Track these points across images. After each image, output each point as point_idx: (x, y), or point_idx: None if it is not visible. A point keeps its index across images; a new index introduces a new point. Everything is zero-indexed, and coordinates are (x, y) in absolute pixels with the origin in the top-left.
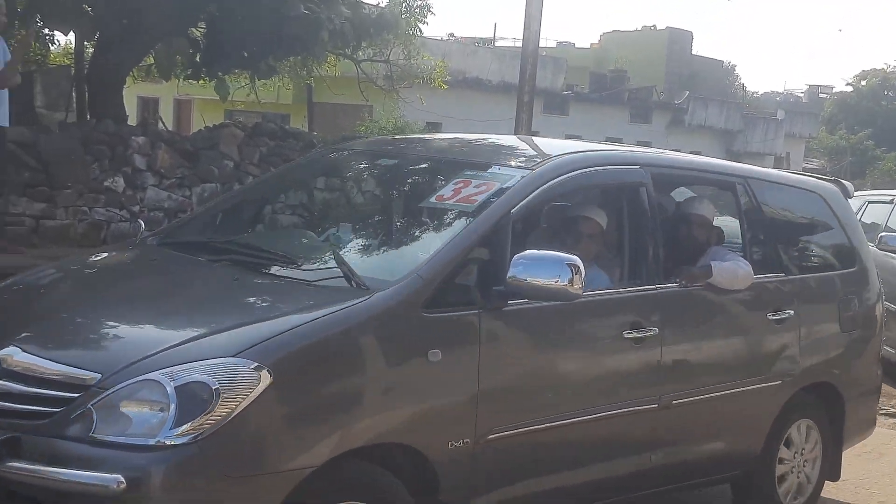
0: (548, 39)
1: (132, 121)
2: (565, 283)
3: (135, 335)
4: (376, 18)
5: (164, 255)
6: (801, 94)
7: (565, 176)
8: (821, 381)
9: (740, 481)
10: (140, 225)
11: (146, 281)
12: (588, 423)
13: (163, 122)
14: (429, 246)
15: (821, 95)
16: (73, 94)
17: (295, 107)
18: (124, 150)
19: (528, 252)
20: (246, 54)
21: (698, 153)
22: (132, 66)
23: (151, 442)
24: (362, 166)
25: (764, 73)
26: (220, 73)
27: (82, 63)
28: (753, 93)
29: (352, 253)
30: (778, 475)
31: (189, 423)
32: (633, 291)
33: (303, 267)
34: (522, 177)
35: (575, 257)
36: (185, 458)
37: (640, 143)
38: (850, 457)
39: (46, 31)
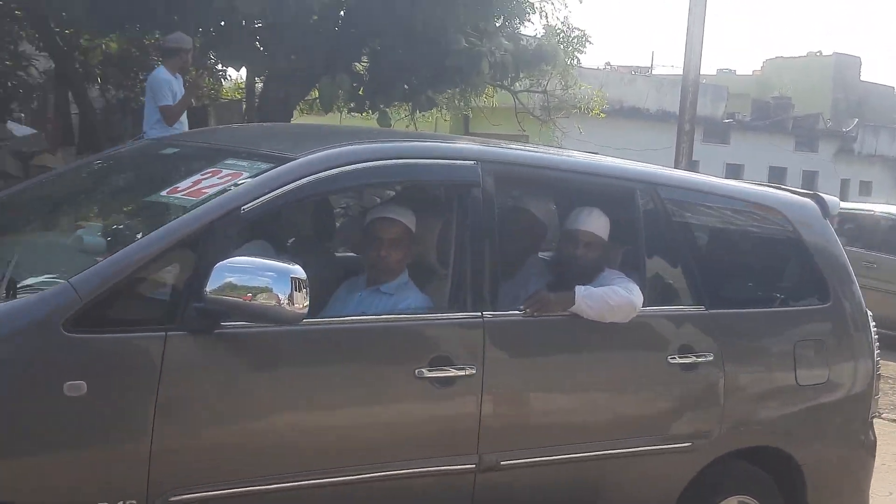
0: (708, 66)
1: None
2: (282, 299)
3: None
4: (535, 50)
5: None
6: None
7: (335, 171)
8: (763, 447)
9: None
10: None
11: None
12: (345, 485)
13: None
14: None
15: None
16: None
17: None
18: None
19: (235, 259)
20: (406, 87)
21: (869, 183)
22: (299, 100)
23: None
24: (139, 158)
25: None
26: (381, 106)
27: (253, 97)
28: None
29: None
30: None
31: None
32: (443, 318)
33: None
34: (270, 169)
35: (297, 268)
36: None
37: (805, 173)
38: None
39: (220, 67)
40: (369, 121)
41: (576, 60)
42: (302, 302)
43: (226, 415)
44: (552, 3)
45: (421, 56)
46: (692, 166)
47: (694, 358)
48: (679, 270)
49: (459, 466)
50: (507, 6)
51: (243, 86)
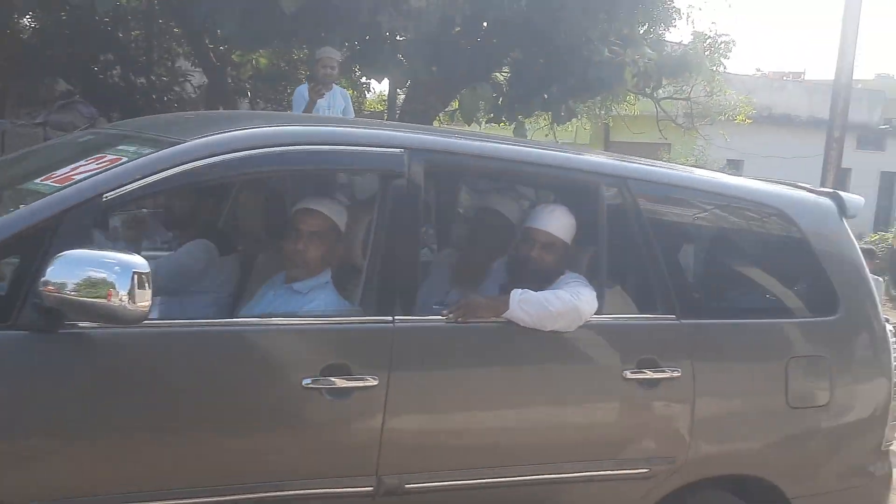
0: (866, 72)
1: None
2: (122, 296)
3: None
4: (680, 58)
5: None
6: None
7: (221, 158)
8: (742, 475)
9: None
10: None
11: None
12: None
13: None
14: None
15: None
16: None
17: (592, 146)
18: None
19: (75, 251)
20: (546, 97)
21: None
22: (440, 111)
23: None
24: (60, 145)
25: None
26: (519, 117)
27: (395, 108)
28: None
29: None
30: None
31: None
32: (344, 322)
33: None
34: (142, 156)
35: (141, 261)
36: None
37: None
38: None
39: (364, 80)
40: (507, 131)
41: (722, 67)
42: (143, 300)
43: (67, 423)
44: (699, 9)
45: (562, 66)
46: (842, 174)
47: (656, 373)
48: (649, 275)
49: (354, 489)
50: (652, 13)
51: (385, 98)
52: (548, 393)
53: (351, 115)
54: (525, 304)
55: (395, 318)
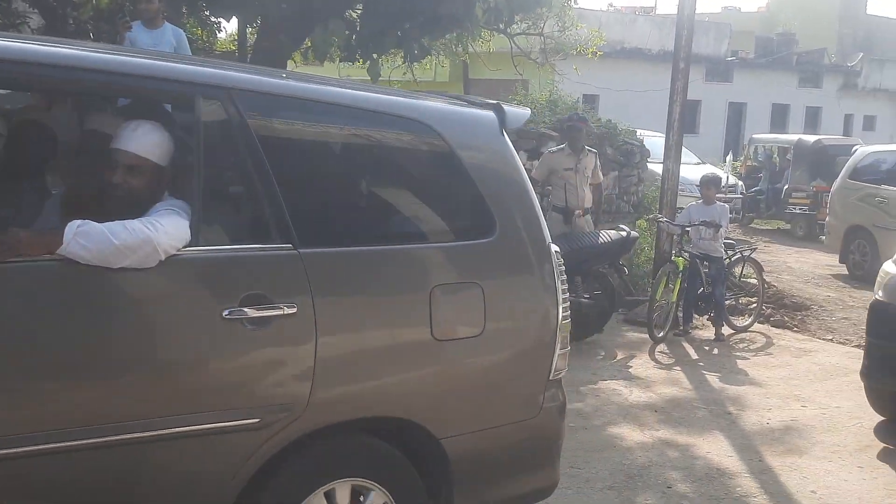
0: (713, 4)
1: None
2: None
3: None
4: None
5: None
6: None
7: None
8: (384, 417)
9: None
10: None
11: None
12: None
13: None
14: None
15: None
16: None
17: (452, 85)
18: None
19: None
20: (400, 34)
21: (873, 118)
22: (293, 50)
23: None
24: None
25: None
26: (374, 55)
27: (245, 48)
28: None
29: None
30: None
31: None
32: None
33: None
34: None
35: None
36: None
37: (808, 109)
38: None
39: (213, 19)
40: (362, 70)
41: (574, 1)
42: None
43: None
44: None
45: (414, 3)
46: (692, 106)
47: (263, 311)
48: (261, 200)
49: None
50: None
51: (237, 37)
52: (125, 342)
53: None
54: (83, 238)
55: None
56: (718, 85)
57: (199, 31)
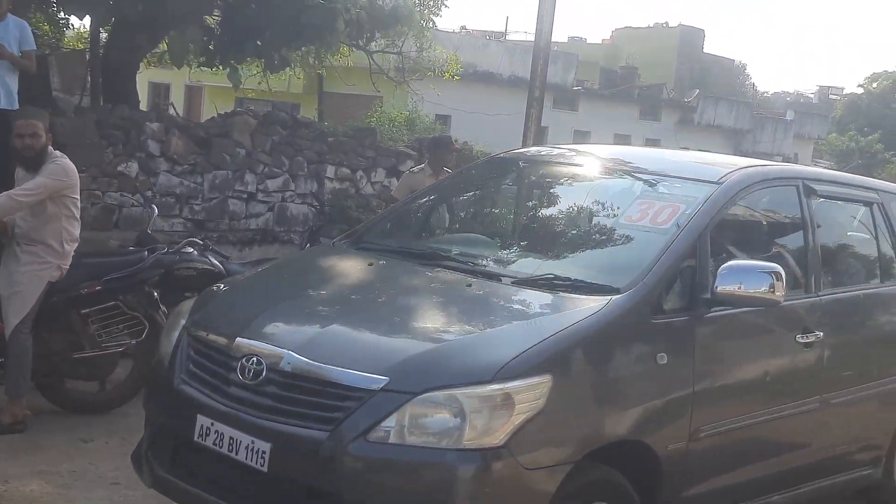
0: (560, 34)
1: (143, 106)
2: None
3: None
4: (391, 10)
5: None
6: (812, 95)
7: None
8: None
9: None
10: (153, 210)
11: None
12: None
13: (174, 109)
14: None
15: (831, 97)
16: (89, 78)
17: (306, 96)
18: (138, 136)
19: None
20: (260, 43)
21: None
22: (146, 52)
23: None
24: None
25: (774, 73)
26: (232, 62)
27: (97, 48)
28: (763, 93)
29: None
30: None
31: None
32: None
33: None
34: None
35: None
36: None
37: (648, 140)
38: None
39: (62, 15)
40: (218, 75)
41: (431, 23)
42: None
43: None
44: None
45: (275, 11)
46: (541, 132)
47: None
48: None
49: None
50: None
51: (87, 35)
52: None
53: (31, 47)
54: None
55: None
56: (565, 113)
57: (47, 27)
